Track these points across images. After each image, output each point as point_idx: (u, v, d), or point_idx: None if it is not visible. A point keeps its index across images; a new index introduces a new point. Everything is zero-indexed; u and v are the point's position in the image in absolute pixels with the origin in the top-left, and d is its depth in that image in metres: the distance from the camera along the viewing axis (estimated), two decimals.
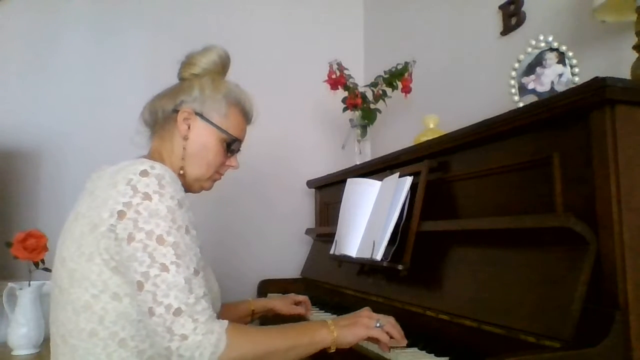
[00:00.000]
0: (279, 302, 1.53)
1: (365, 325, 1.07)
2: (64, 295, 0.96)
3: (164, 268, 0.89)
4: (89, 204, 0.97)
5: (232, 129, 1.15)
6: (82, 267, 0.94)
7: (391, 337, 1.10)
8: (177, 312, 0.88)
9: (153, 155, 1.14)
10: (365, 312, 1.12)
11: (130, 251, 0.90)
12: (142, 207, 0.91)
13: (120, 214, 0.91)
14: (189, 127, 1.12)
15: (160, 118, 1.15)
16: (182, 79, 1.19)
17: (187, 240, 0.94)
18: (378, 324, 1.08)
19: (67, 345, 0.95)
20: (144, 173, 0.93)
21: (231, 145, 1.16)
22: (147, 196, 0.91)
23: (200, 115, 1.13)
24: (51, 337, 1.02)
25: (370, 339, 1.09)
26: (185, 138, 1.12)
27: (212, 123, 1.13)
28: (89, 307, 0.93)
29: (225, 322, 0.94)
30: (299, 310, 1.55)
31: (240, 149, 1.21)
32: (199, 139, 1.13)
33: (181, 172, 1.12)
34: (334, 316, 1.58)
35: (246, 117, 1.21)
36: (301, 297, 1.58)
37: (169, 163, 1.12)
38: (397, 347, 1.11)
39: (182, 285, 0.89)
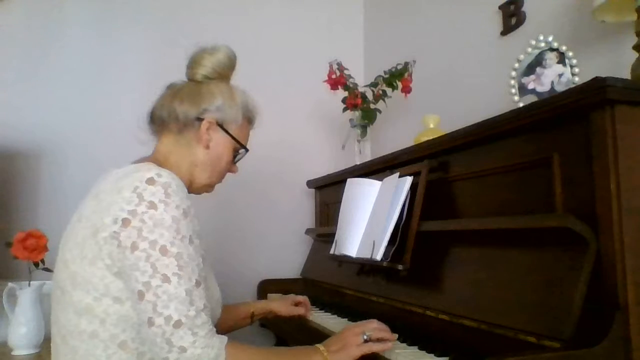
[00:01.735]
0: (278, 304, 1.53)
1: (355, 344, 1.06)
2: (65, 296, 0.96)
3: (166, 279, 0.89)
4: (93, 207, 0.96)
5: (243, 139, 1.18)
6: (85, 270, 0.93)
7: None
8: (177, 324, 0.88)
9: (158, 156, 1.13)
10: (348, 330, 1.10)
11: (133, 260, 0.90)
12: (147, 216, 0.91)
13: (125, 222, 0.90)
14: (210, 137, 1.13)
15: (181, 123, 1.12)
16: (192, 80, 1.17)
17: (191, 250, 0.94)
18: (365, 337, 1.07)
19: (67, 346, 0.96)
20: (151, 181, 0.93)
21: (238, 154, 1.19)
22: (152, 205, 0.91)
23: (221, 125, 1.14)
24: (52, 337, 1.02)
25: (365, 356, 1.07)
26: (207, 147, 1.13)
27: (230, 134, 1.14)
28: (91, 309, 0.93)
29: (225, 337, 0.95)
30: (299, 311, 1.54)
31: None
32: (216, 149, 1.14)
33: (188, 178, 1.12)
34: (334, 316, 1.59)
35: (252, 124, 1.23)
36: (300, 298, 1.57)
37: (176, 167, 1.11)
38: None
39: (182, 297, 0.89)
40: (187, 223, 0.94)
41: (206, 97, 1.13)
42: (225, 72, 1.18)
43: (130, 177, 0.94)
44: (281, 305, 1.53)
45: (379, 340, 1.09)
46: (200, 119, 1.12)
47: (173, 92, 1.16)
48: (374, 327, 1.11)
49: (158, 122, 1.15)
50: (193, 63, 1.17)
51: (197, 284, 0.93)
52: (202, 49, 1.17)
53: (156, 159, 1.11)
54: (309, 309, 1.57)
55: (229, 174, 1.23)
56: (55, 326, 1.00)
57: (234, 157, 1.19)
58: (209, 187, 1.19)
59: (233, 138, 1.15)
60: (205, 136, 1.12)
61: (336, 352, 1.04)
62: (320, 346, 1.06)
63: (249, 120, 1.20)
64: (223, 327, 1.33)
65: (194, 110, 1.12)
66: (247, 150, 1.20)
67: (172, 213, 0.92)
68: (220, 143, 1.14)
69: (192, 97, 1.14)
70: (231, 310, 1.43)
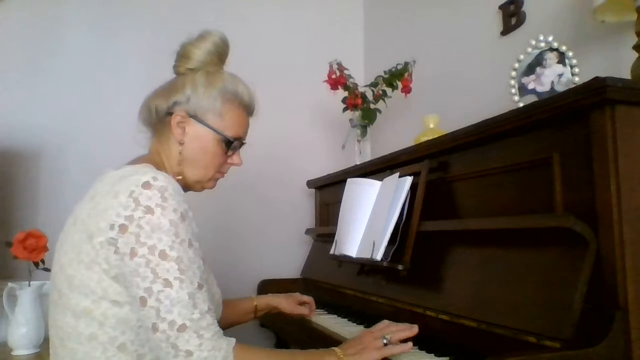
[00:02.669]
0: (283, 301, 1.50)
1: (375, 347, 1.03)
2: (62, 299, 0.95)
3: (167, 283, 0.88)
4: (88, 211, 0.94)
5: (229, 129, 1.10)
6: (81, 274, 0.92)
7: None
8: (182, 328, 0.87)
9: (153, 156, 1.12)
10: (367, 334, 1.07)
11: (132, 266, 0.88)
12: (144, 221, 0.89)
13: (122, 228, 0.89)
14: (183, 131, 1.07)
15: (156, 119, 1.11)
16: (178, 73, 1.13)
17: (190, 253, 0.92)
18: (385, 341, 1.05)
19: (65, 349, 0.95)
20: (147, 185, 0.91)
21: (230, 145, 1.11)
22: (149, 210, 0.89)
23: (194, 117, 1.07)
24: (50, 339, 1.01)
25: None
26: (181, 142, 1.07)
27: (207, 125, 1.08)
28: (89, 312, 0.92)
29: (233, 339, 0.93)
30: (303, 310, 1.52)
31: (245, 141, 1.16)
32: (196, 142, 1.08)
33: (179, 177, 1.08)
34: (335, 316, 1.59)
35: (246, 110, 1.14)
36: (306, 298, 1.55)
37: (168, 165, 1.10)
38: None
39: (185, 301, 0.88)
40: (186, 226, 0.93)
41: (177, 89, 1.08)
42: (211, 62, 1.11)
43: (127, 181, 0.92)
44: (286, 302, 1.50)
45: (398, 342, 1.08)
46: (170, 113, 1.08)
47: (155, 89, 1.14)
48: (393, 329, 1.08)
49: (144, 121, 1.14)
50: (180, 57, 1.13)
51: (200, 286, 0.91)
52: (189, 41, 1.12)
53: (152, 158, 1.09)
54: (313, 310, 1.55)
55: (231, 172, 1.18)
56: (53, 328, 0.99)
57: (226, 148, 1.11)
58: (204, 183, 1.13)
59: (210, 128, 1.08)
60: (177, 131, 1.07)
61: (353, 355, 1.02)
62: (336, 349, 1.04)
63: (239, 106, 1.12)
64: (225, 322, 1.31)
65: (165, 104, 1.09)
66: (230, 139, 1.10)
67: (169, 217, 0.90)
68: (199, 136, 1.08)
69: (165, 91, 1.11)
70: (234, 305, 1.41)
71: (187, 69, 1.11)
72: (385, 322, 1.13)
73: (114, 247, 0.89)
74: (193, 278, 0.91)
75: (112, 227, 0.89)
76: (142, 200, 0.90)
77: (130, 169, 0.97)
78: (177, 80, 1.12)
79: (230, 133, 1.11)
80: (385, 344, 1.05)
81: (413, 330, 1.11)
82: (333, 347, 1.04)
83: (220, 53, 1.13)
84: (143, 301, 0.88)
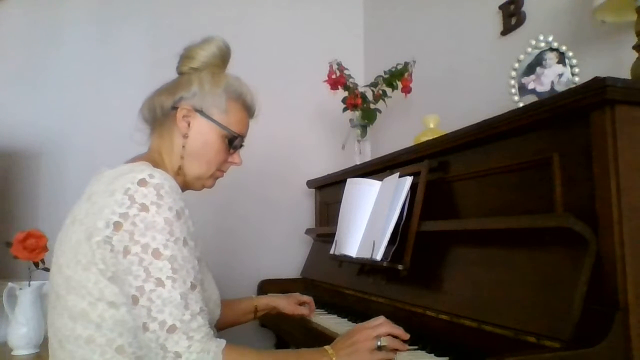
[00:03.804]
0: (283, 301, 1.50)
1: (368, 349, 1.01)
2: (60, 301, 0.95)
3: (160, 283, 0.87)
4: (86, 210, 0.94)
5: (233, 125, 1.12)
6: (79, 275, 0.92)
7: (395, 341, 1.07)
8: (172, 329, 0.86)
9: (152, 154, 1.12)
10: (360, 333, 1.04)
11: (126, 264, 0.88)
12: (139, 219, 0.88)
13: (117, 225, 0.88)
14: (188, 125, 1.09)
15: (159, 115, 1.11)
16: (181, 73, 1.15)
17: (185, 253, 0.91)
18: (379, 343, 1.02)
19: (64, 350, 0.94)
20: (142, 182, 0.90)
21: (233, 142, 1.13)
22: (144, 207, 0.89)
23: (200, 111, 1.09)
24: (49, 340, 1.01)
25: None
26: (185, 136, 1.09)
27: (212, 119, 1.10)
28: (86, 314, 0.91)
29: (223, 341, 0.92)
30: (303, 311, 1.52)
31: (244, 144, 1.18)
32: (200, 137, 1.10)
33: (179, 171, 1.10)
34: (335, 316, 1.59)
35: (248, 111, 1.17)
36: (306, 298, 1.55)
37: (169, 162, 1.10)
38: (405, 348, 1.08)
39: (177, 302, 0.87)
40: (181, 225, 0.92)
41: (183, 85, 1.11)
42: (215, 64, 1.14)
43: (123, 179, 0.92)
44: (286, 302, 1.50)
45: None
46: (175, 108, 1.09)
47: (157, 89, 1.15)
48: (387, 331, 1.05)
49: (145, 119, 1.15)
50: (183, 57, 1.15)
51: (193, 287, 0.90)
52: (193, 43, 1.15)
53: (150, 157, 1.10)
54: (313, 310, 1.55)
55: (231, 171, 1.19)
56: (51, 329, 0.99)
57: (228, 145, 1.13)
58: (204, 180, 1.14)
59: (215, 122, 1.10)
60: (182, 124, 1.08)
61: (346, 356, 1.00)
62: (328, 348, 1.02)
63: (242, 106, 1.15)
64: (225, 322, 1.32)
65: (170, 100, 1.10)
66: (239, 136, 1.13)
67: (164, 215, 0.90)
68: (203, 130, 1.10)
69: (170, 87, 1.13)
70: (233, 305, 1.41)
71: (191, 68, 1.13)
72: (381, 319, 1.09)
73: (110, 246, 0.89)
74: (186, 278, 0.90)
75: (107, 224, 0.89)
76: (138, 198, 0.89)
77: (127, 167, 0.97)
78: (182, 78, 1.14)
79: (234, 129, 1.13)
80: (379, 347, 1.02)
81: (405, 346, 1.08)
82: (325, 347, 1.02)
83: (224, 56, 1.16)
84: (135, 300, 0.87)
